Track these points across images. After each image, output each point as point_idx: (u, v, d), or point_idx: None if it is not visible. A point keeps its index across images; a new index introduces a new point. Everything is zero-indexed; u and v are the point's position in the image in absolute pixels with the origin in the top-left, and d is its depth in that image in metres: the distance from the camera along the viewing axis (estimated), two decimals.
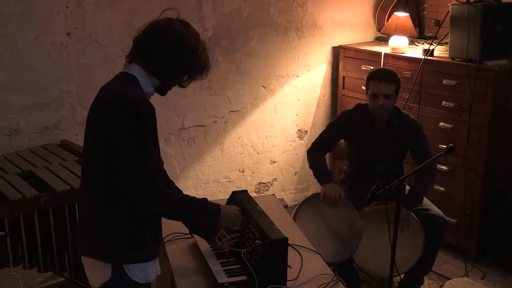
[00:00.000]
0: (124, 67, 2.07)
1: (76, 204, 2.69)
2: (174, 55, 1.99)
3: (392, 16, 4.34)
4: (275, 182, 4.47)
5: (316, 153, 3.34)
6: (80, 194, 2.15)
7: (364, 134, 3.31)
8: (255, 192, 4.36)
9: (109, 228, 2.02)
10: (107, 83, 2.08)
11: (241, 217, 2.28)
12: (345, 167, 3.56)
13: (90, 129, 2.04)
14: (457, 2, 3.72)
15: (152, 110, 1.97)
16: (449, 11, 3.77)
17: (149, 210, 2.03)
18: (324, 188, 3.17)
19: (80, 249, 2.15)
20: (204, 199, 2.17)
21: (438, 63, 3.87)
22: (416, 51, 4.14)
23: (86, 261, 2.12)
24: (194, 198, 2.14)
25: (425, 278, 3.47)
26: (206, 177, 4.09)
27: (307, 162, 3.38)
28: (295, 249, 2.52)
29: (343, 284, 2.31)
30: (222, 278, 2.21)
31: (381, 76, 3.20)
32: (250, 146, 4.25)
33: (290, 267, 2.30)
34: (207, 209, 2.15)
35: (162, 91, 2.11)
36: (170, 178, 2.36)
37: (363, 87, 3.39)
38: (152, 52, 1.99)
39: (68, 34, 3.27)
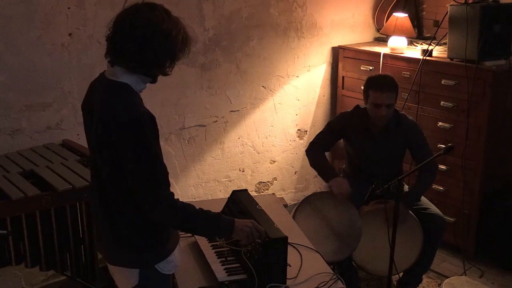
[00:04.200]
0: (108, 71, 1.98)
1: (77, 203, 2.71)
2: (150, 44, 1.89)
3: (391, 17, 4.35)
4: (275, 181, 4.49)
5: (315, 152, 3.36)
6: (93, 204, 2.13)
7: (361, 137, 3.32)
8: (255, 191, 4.38)
9: (131, 234, 1.99)
10: (100, 87, 2.00)
11: (255, 231, 2.11)
12: (344, 166, 3.58)
13: (95, 139, 1.96)
14: (455, 3, 3.73)
15: (153, 121, 1.91)
16: (447, 11, 3.78)
17: (162, 222, 1.97)
18: (332, 185, 3.17)
19: (106, 258, 2.12)
20: (218, 215, 2.08)
21: (437, 64, 3.88)
22: (415, 52, 4.15)
23: (111, 268, 2.10)
24: (207, 212, 2.04)
25: (423, 276, 3.49)
26: (207, 176, 4.11)
27: (307, 161, 3.40)
28: (294, 248, 2.54)
29: (342, 282, 2.33)
30: (222, 277, 2.23)
31: (382, 86, 3.16)
32: (250, 146, 4.27)
33: (290, 266, 2.32)
34: (219, 225, 2.06)
35: (152, 80, 2.02)
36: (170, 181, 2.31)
37: (362, 87, 3.40)
38: (128, 48, 1.89)
39: (70, 34, 3.28)
